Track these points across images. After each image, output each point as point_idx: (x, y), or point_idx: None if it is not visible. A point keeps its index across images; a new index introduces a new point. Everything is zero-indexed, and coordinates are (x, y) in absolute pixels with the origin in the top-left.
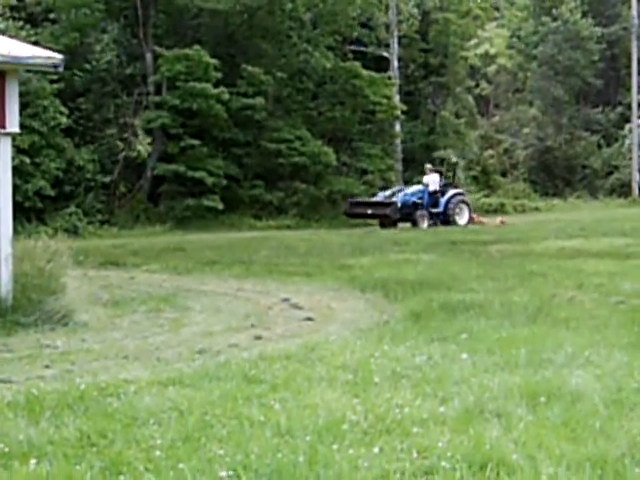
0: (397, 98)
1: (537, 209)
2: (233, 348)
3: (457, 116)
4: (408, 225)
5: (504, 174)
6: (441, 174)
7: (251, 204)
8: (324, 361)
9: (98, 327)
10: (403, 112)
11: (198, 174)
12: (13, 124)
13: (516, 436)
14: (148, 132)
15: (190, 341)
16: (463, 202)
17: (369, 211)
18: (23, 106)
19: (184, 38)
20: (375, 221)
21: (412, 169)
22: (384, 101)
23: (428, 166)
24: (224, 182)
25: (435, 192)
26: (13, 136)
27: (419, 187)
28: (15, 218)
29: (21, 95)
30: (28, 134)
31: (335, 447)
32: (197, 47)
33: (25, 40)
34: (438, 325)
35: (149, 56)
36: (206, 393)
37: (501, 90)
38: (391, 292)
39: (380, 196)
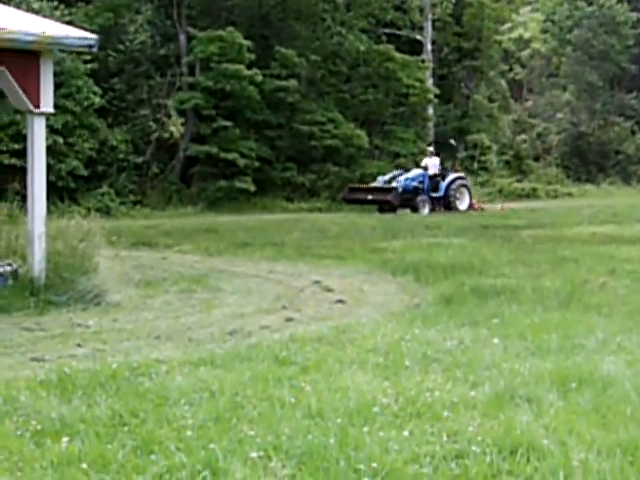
0: (430, 81)
1: (570, 194)
2: (264, 330)
3: (490, 100)
4: (408, 211)
5: (537, 159)
6: (473, 159)
7: (283, 186)
8: (355, 344)
9: (130, 307)
10: (436, 95)
11: (230, 156)
12: (47, 104)
13: (547, 421)
14: (181, 113)
15: (221, 322)
16: (464, 186)
17: (369, 197)
18: (57, 86)
19: (218, 19)
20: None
21: (445, 152)
22: (417, 84)
23: (429, 148)
24: (256, 164)
25: (435, 176)
26: (47, 116)
27: (419, 171)
28: (48, 198)
29: (55, 75)
30: (62, 114)
31: (366, 430)
32: (231, 28)
33: (59, 20)
34: (469, 309)
35: (183, 37)
36: (237, 374)
37: (535, 74)
38: (422, 276)
39: (379, 181)
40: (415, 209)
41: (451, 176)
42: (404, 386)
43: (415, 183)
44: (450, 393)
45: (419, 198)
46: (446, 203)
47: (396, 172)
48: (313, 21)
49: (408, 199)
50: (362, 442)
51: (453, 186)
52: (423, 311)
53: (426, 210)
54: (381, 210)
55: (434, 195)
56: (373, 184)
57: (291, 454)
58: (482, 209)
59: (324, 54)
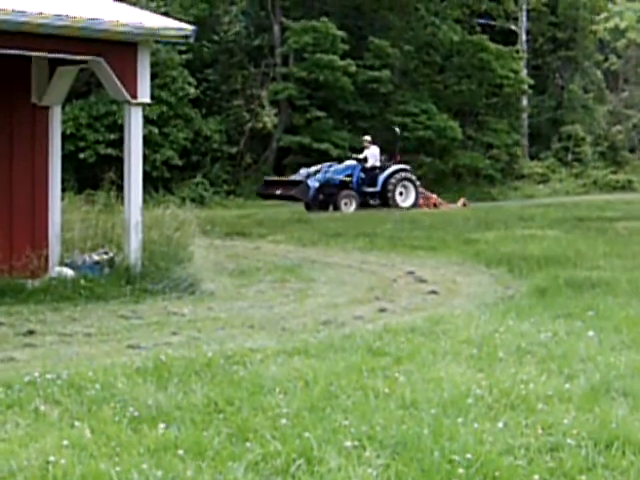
0: (524, 72)
1: None
2: (358, 320)
3: (585, 91)
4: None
5: (632, 150)
6: (567, 150)
7: None
8: (449, 335)
9: (224, 296)
10: (530, 86)
11: (323, 146)
12: (144, 94)
13: None
14: (274, 103)
15: (315, 312)
16: (407, 180)
17: (278, 192)
18: (152, 77)
19: (311, 10)
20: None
21: (539, 144)
22: (511, 75)
23: (366, 137)
24: (349, 154)
25: (374, 168)
26: (144, 106)
27: (350, 163)
28: (143, 187)
29: (151, 66)
30: (157, 104)
31: (460, 420)
32: (324, 19)
33: (155, 11)
34: (563, 302)
35: (277, 28)
36: (331, 364)
37: (631, 65)
38: (516, 267)
39: (302, 174)
40: (336, 207)
41: (391, 168)
42: (498, 378)
43: (341, 176)
44: (544, 385)
45: (342, 193)
46: (384, 199)
47: (325, 164)
48: (407, 11)
49: (331, 194)
50: (456, 433)
51: (392, 180)
52: (517, 303)
53: (352, 207)
54: (307, 207)
55: (370, 190)
56: (292, 177)
57: (385, 444)
58: (435, 206)
59: (417, 44)
